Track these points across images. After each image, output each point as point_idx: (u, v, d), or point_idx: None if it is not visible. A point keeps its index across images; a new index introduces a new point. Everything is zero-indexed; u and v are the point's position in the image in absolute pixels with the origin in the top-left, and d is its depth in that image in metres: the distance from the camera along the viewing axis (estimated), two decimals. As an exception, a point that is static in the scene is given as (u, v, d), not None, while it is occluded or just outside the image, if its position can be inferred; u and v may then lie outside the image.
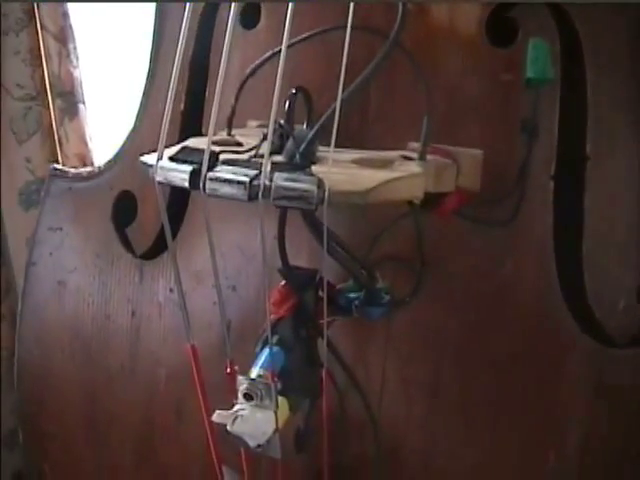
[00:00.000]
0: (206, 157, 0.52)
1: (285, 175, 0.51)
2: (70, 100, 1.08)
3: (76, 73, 1.07)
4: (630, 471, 0.68)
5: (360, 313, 0.64)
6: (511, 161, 0.65)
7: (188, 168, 0.52)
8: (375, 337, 0.70)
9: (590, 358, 0.66)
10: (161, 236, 0.77)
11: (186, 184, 0.52)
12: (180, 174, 0.52)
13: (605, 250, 0.66)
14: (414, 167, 0.57)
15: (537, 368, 0.67)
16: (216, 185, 0.51)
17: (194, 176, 0.52)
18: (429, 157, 0.59)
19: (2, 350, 1.08)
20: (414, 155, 0.59)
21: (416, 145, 0.59)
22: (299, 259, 0.65)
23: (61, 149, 1.10)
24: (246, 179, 0.51)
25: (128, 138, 0.81)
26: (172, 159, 0.54)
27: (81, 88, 1.08)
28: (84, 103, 1.09)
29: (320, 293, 0.63)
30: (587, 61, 0.64)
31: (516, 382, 0.68)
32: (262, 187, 0.50)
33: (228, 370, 0.59)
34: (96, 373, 0.82)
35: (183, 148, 0.55)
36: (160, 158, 0.54)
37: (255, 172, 0.51)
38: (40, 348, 0.85)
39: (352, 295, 0.64)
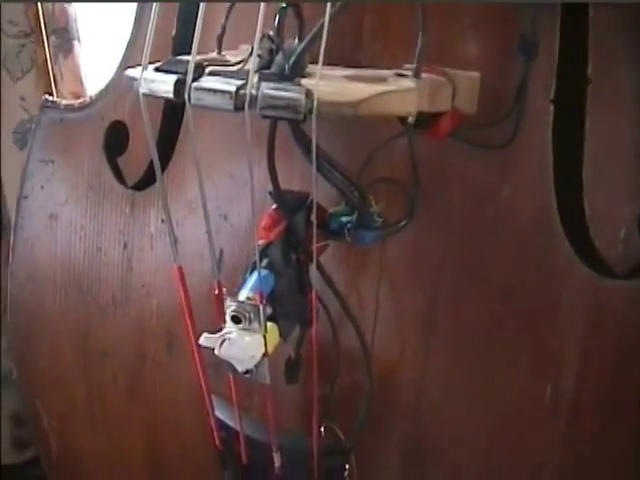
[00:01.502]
0: (191, 66, 0.50)
1: (272, 85, 0.49)
2: (64, 37, 1.07)
3: (70, 9, 1.05)
4: (625, 406, 0.67)
5: (353, 237, 0.62)
6: (509, 83, 0.63)
7: (172, 78, 0.51)
8: (368, 265, 0.69)
9: (588, 288, 0.65)
10: (152, 166, 0.75)
11: (170, 95, 0.51)
12: (164, 85, 0.51)
13: (606, 176, 0.64)
14: (408, 82, 0.54)
15: (534, 298, 0.66)
16: (201, 95, 0.50)
17: (179, 86, 0.50)
18: (424, 75, 0.57)
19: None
20: (408, 73, 0.57)
21: (411, 66, 0.57)
22: (291, 184, 0.64)
23: (56, 87, 1.08)
24: (232, 88, 0.49)
25: (119, 67, 0.79)
26: (157, 69, 0.52)
27: (76, 24, 1.06)
28: (79, 40, 1.07)
29: (311, 217, 0.61)
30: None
31: (512, 313, 0.66)
32: (249, 96, 0.48)
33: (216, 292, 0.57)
34: (88, 307, 0.81)
35: (168, 60, 0.53)
36: (145, 69, 0.52)
37: (242, 82, 0.49)
38: (32, 282, 0.84)
39: (344, 219, 0.63)
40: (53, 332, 0.84)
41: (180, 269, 0.57)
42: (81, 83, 1.08)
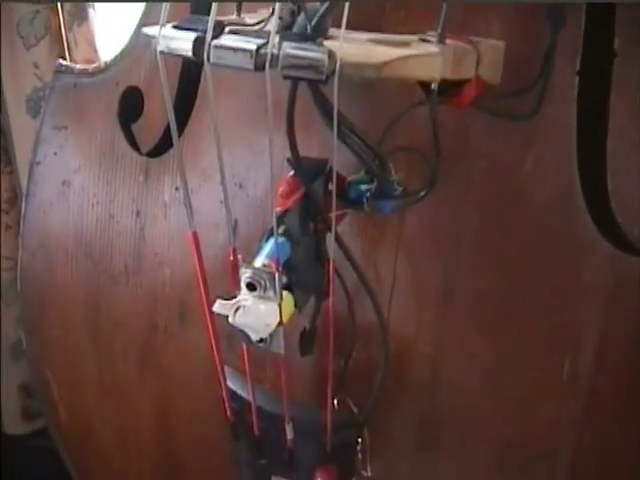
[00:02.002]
0: (211, 23, 0.48)
1: (294, 44, 0.48)
2: (79, 4, 1.05)
3: (87, -23, 1.03)
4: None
5: (371, 207, 0.61)
6: (535, 54, 0.61)
7: (192, 35, 0.49)
8: (386, 237, 0.67)
9: (609, 265, 0.63)
10: (167, 132, 0.74)
11: (189, 53, 0.49)
12: (183, 42, 0.49)
13: (630, 152, 0.62)
14: (432, 48, 0.53)
15: (554, 273, 0.65)
16: (221, 53, 0.48)
17: (198, 43, 0.49)
18: (448, 42, 0.55)
19: (7, 260, 1.07)
20: (432, 39, 0.55)
21: (435, 33, 0.56)
22: (310, 153, 0.62)
23: (70, 54, 1.07)
24: (253, 47, 0.48)
25: (135, 32, 0.78)
26: (176, 27, 0.50)
27: (91, -8, 1.04)
28: (94, 7, 1.06)
29: (330, 186, 0.60)
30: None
31: (532, 287, 0.65)
32: (270, 55, 0.47)
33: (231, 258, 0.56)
34: (99, 276, 0.80)
35: (188, 17, 0.51)
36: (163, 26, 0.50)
37: (263, 41, 0.48)
38: (43, 250, 0.83)
39: (363, 187, 0.61)
40: (64, 301, 0.83)
41: (195, 234, 0.55)
42: (95, 51, 1.07)
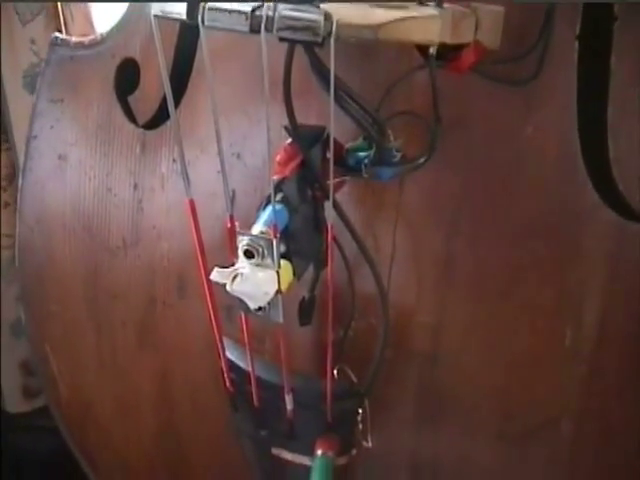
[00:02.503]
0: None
1: (290, 6, 0.47)
2: (75, -20, 1.04)
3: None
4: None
5: (370, 173, 0.61)
6: (534, 18, 0.60)
7: (186, -3, 0.48)
8: (385, 205, 0.67)
9: (611, 232, 0.63)
10: (164, 104, 0.73)
11: (184, 16, 0.48)
12: (177, 5, 0.48)
13: (632, 118, 0.62)
14: (430, 10, 0.52)
15: (556, 241, 0.64)
16: (215, 15, 0.48)
17: (192, 6, 0.48)
18: (446, 5, 0.55)
19: (6, 238, 1.07)
20: (431, 3, 0.55)
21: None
22: (308, 121, 0.62)
23: (66, 29, 1.06)
24: (248, 8, 0.47)
25: (131, 4, 0.77)
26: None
27: (88, -34, 1.03)
28: (90, -17, 1.05)
29: (328, 154, 0.59)
30: None
31: (532, 255, 0.65)
32: (265, 17, 0.46)
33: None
34: (97, 249, 0.80)
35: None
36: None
37: (258, 3, 0.47)
38: (41, 225, 0.83)
39: (362, 154, 0.61)
40: (62, 275, 0.83)
41: (192, 202, 0.55)
42: (92, 26, 1.06)
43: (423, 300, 0.67)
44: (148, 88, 0.76)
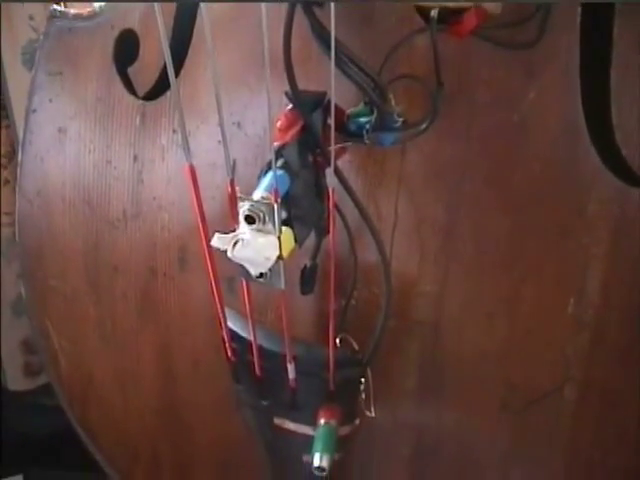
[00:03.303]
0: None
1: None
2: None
3: None
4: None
5: (371, 139, 0.60)
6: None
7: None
8: (387, 173, 0.66)
9: (615, 198, 0.63)
10: (164, 74, 0.73)
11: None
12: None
13: (635, 84, 0.61)
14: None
15: (558, 207, 0.64)
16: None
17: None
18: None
19: (6, 215, 1.06)
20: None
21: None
22: (308, 88, 0.61)
23: (65, 5, 1.05)
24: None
25: (130, -25, 0.76)
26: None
27: (86, -59, 1.02)
28: (89, -43, 1.04)
29: (329, 119, 0.59)
30: None
31: (536, 222, 0.64)
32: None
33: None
34: (97, 222, 0.79)
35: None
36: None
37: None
38: (41, 199, 0.82)
39: (363, 119, 0.60)
40: (63, 249, 0.82)
41: (192, 167, 0.54)
42: (90, 3, 1.05)
43: (425, 269, 0.67)
44: (147, 59, 0.75)
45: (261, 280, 0.57)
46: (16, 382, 1.19)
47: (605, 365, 0.67)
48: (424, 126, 0.60)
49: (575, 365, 0.67)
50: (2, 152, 1.08)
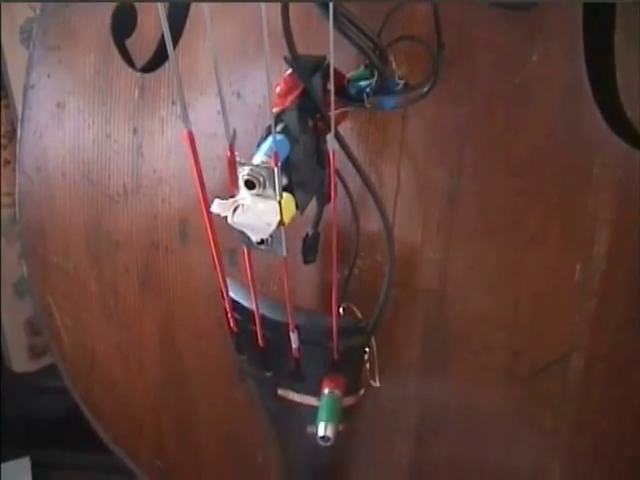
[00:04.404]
0: None
1: None
2: None
3: None
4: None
5: (372, 103, 0.59)
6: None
7: None
8: (389, 140, 0.66)
9: (620, 162, 0.62)
10: (162, 45, 0.72)
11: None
12: None
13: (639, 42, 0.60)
14: None
15: (563, 172, 0.63)
16: None
17: None
18: None
19: (7, 196, 1.06)
20: None
21: None
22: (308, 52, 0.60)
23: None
24: None
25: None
26: None
27: None
28: None
29: (329, 85, 0.58)
30: None
31: (540, 186, 0.64)
32: None
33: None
34: (98, 197, 0.79)
35: None
36: None
37: None
38: (40, 175, 0.82)
39: (363, 83, 0.59)
40: (63, 225, 0.82)
41: (190, 133, 0.53)
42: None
43: (429, 235, 0.66)
44: (145, 31, 0.74)
45: (262, 247, 0.56)
46: (21, 364, 1.18)
47: (613, 333, 0.66)
48: (426, 89, 0.59)
49: (582, 333, 0.66)
50: (2, 132, 1.08)
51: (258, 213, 0.53)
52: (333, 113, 0.54)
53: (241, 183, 0.54)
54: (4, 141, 1.09)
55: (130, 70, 0.76)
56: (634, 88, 0.61)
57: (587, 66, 0.60)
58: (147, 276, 0.79)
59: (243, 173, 0.53)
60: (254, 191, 0.54)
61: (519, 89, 0.62)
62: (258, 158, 0.54)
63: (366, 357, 0.67)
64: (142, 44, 0.75)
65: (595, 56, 0.60)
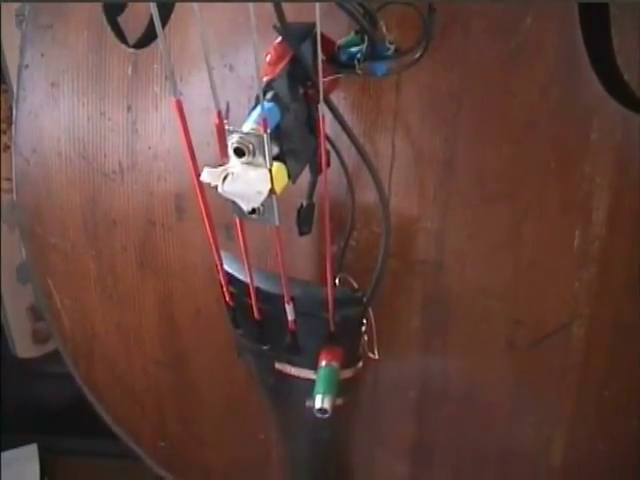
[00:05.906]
0: None
1: None
2: None
3: None
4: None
5: (364, 69, 0.59)
6: None
7: None
8: (383, 109, 0.65)
9: (618, 125, 0.61)
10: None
11: None
12: None
13: (637, 3, 0.59)
14: None
15: (560, 137, 0.62)
16: None
17: None
18: None
19: (7, 181, 1.06)
20: None
21: None
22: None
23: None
24: None
25: None
26: None
27: None
28: None
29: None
30: None
31: (536, 154, 0.63)
32: None
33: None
34: (94, 175, 0.78)
35: None
36: None
37: None
38: (37, 155, 0.81)
39: (354, 49, 0.59)
40: (61, 205, 0.81)
41: (179, 102, 0.52)
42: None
43: (425, 204, 0.66)
44: (137, 6, 0.74)
45: (254, 216, 0.56)
46: (25, 350, 1.18)
47: (614, 300, 0.65)
48: (418, 54, 0.59)
49: (583, 301, 0.66)
50: (1, 117, 1.07)
51: (248, 181, 0.53)
52: (321, 78, 0.53)
53: (231, 151, 0.53)
54: (3, 126, 1.08)
55: (123, 47, 0.75)
56: (631, 51, 0.60)
57: (582, 28, 0.59)
58: (145, 254, 0.78)
59: (232, 141, 0.53)
60: (244, 159, 0.53)
61: (514, 54, 0.61)
62: (247, 125, 0.53)
63: (364, 329, 0.66)
64: (134, 20, 0.75)
65: (591, 18, 0.59)
